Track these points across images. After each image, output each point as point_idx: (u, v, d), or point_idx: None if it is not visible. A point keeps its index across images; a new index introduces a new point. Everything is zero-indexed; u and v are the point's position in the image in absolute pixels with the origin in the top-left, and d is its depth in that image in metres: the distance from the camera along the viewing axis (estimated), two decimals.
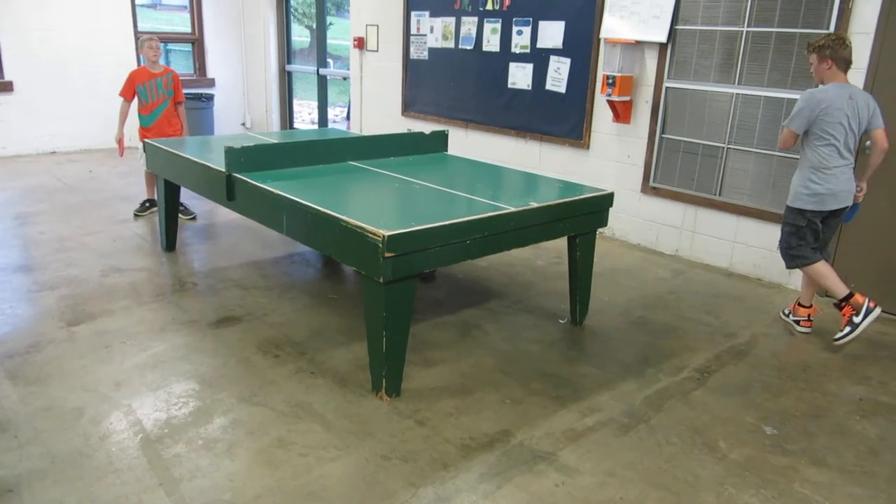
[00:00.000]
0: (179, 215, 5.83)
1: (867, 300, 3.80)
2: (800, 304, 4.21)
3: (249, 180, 3.82)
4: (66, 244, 5.26)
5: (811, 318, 4.16)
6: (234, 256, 5.18)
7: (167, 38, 10.48)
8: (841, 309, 3.88)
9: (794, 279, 4.85)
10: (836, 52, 3.69)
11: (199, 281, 4.67)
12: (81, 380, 3.29)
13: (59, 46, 8.64)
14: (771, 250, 4.93)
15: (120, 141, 5.99)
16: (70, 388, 3.22)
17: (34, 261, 4.89)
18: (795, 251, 3.98)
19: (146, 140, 5.20)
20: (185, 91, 9.46)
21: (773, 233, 4.89)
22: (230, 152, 3.94)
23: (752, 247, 5.06)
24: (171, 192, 5.10)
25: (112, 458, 2.71)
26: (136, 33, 9.27)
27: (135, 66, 9.24)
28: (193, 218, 6.07)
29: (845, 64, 3.73)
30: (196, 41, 10.02)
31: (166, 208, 5.13)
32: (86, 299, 4.25)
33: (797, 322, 4.19)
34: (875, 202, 4.39)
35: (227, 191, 4.00)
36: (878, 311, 3.77)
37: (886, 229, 4.38)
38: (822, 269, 3.94)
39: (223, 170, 3.99)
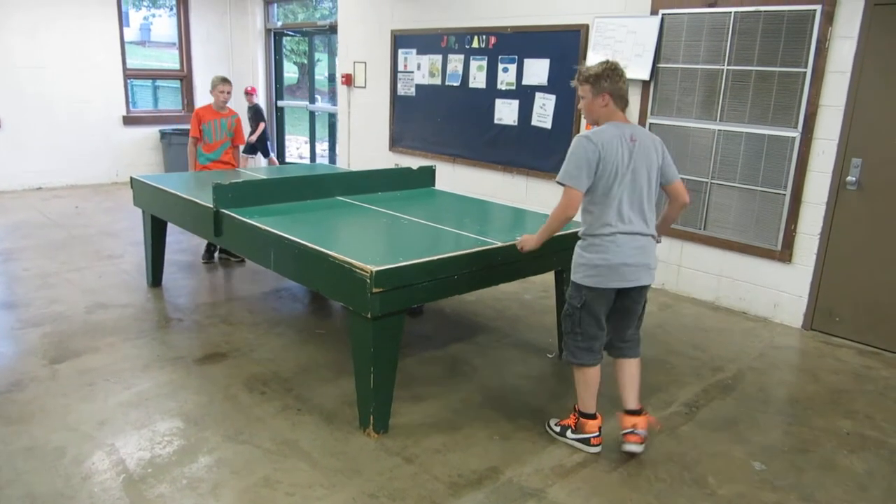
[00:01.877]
0: (227, 257, 5.92)
1: (595, 434, 3.10)
2: (624, 410, 3.17)
3: (237, 216, 3.83)
4: (51, 280, 5.22)
5: (637, 430, 3.06)
6: (221, 292, 5.16)
7: (155, 75, 10.56)
8: (572, 412, 3.20)
9: (780, 313, 4.89)
10: (615, 84, 2.90)
11: (185, 317, 4.63)
12: (64, 419, 3.24)
13: (47, 82, 8.68)
14: (755, 284, 4.98)
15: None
16: (52, 427, 3.17)
17: (18, 297, 4.85)
18: (570, 341, 3.10)
19: (133, 176, 5.19)
20: (173, 127, 9.61)
21: (758, 267, 4.94)
22: (218, 188, 3.95)
23: (737, 281, 5.10)
24: (158, 228, 5.08)
25: (94, 499, 2.67)
26: (125, 70, 9.34)
27: (123, 104, 9.35)
28: (242, 261, 5.91)
29: (623, 101, 2.97)
30: (185, 77, 10.09)
31: (153, 244, 5.10)
32: (70, 336, 4.20)
33: (586, 441, 3.14)
34: (859, 235, 4.46)
35: (215, 226, 4.00)
36: (595, 449, 3.10)
37: (870, 262, 4.43)
38: (592, 377, 3.10)
39: (211, 206, 3.99)
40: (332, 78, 9.97)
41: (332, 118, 9.68)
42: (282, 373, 3.82)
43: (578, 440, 3.13)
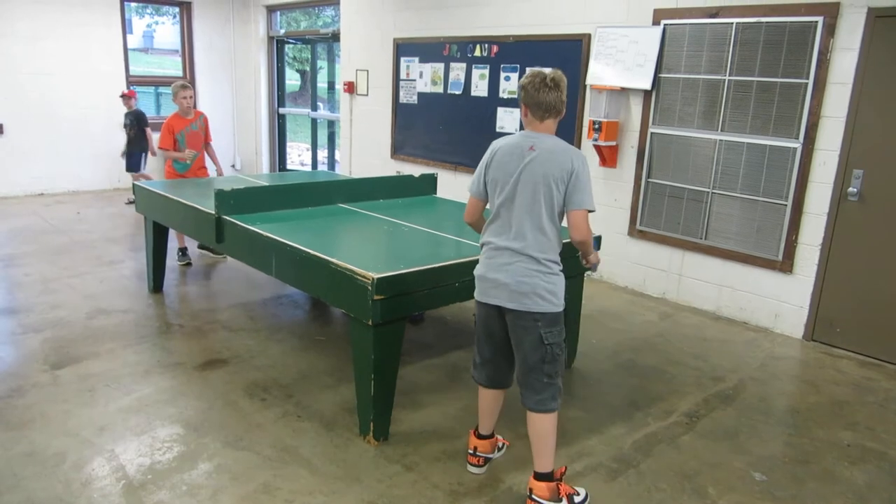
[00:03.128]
0: (210, 253, 6.10)
1: (469, 452, 2.99)
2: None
3: (239, 222, 3.84)
4: (52, 286, 5.22)
5: (478, 453, 3.00)
6: (222, 298, 5.16)
7: (159, 82, 10.60)
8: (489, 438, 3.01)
9: (781, 324, 4.89)
10: (530, 95, 2.70)
11: (186, 323, 4.63)
12: (64, 424, 3.24)
13: (49, 89, 8.71)
14: (756, 294, 4.98)
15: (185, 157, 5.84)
16: (52, 433, 3.16)
17: (19, 303, 4.85)
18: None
19: (136, 182, 5.20)
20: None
21: (759, 277, 4.94)
22: (220, 195, 3.96)
23: (738, 290, 5.10)
24: (159, 233, 5.09)
25: None
26: (128, 76, 9.37)
27: (126, 110, 9.35)
28: (224, 257, 6.12)
29: (541, 111, 2.71)
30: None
31: (154, 250, 5.11)
32: (71, 342, 4.20)
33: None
34: (860, 246, 4.46)
35: (217, 233, 4.01)
36: (473, 469, 2.98)
37: (871, 273, 4.43)
38: (480, 395, 2.96)
39: (212, 212, 4.00)
40: (331, 86, 10.02)
41: (331, 126, 9.71)
42: (282, 379, 3.81)
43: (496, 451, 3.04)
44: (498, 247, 2.69)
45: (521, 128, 2.86)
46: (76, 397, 3.51)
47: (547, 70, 2.76)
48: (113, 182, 9.41)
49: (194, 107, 6.00)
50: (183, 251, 5.98)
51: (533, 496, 2.70)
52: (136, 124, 8.40)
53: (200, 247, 6.31)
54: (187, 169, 5.88)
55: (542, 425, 2.71)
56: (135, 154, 8.48)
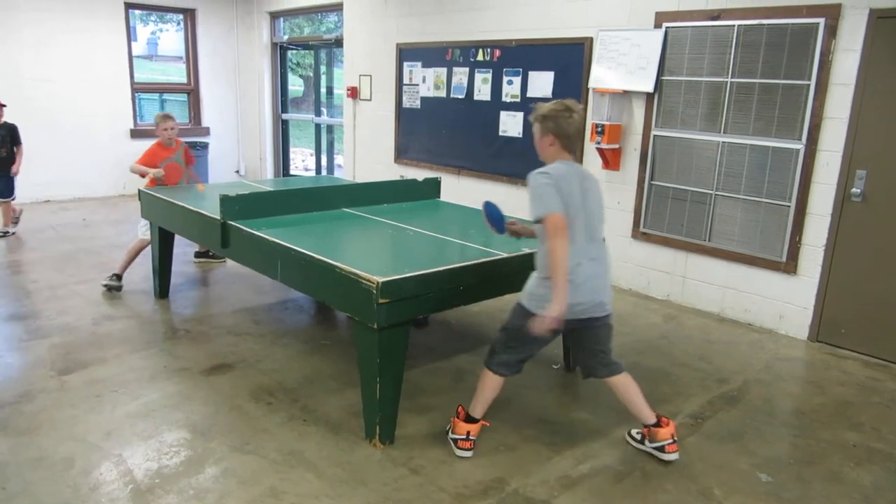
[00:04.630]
0: (209, 260, 6.01)
1: (471, 436, 3.14)
2: (651, 426, 3.17)
3: (244, 227, 3.86)
4: (59, 292, 5.25)
5: (675, 439, 3.15)
6: (227, 303, 5.18)
7: (163, 89, 10.65)
8: (464, 420, 3.17)
9: (785, 325, 4.88)
10: (560, 125, 2.90)
11: (192, 328, 4.66)
12: (72, 429, 3.26)
13: (54, 96, 8.76)
14: (760, 295, 4.98)
15: (153, 180, 5.50)
16: (60, 438, 3.18)
17: (26, 309, 4.88)
18: (501, 349, 3.15)
19: (141, 188, 5.23)
20: (181, 140, 9.65)
21: (763, 278, 4.95)
22: (225, 200, 3.98)
23: (742, 292, 5.10)
24: (165, 239, 5.12)
25: None
26: (133, 83, 9.42)
27: (131, 117, 9.41)
28: (223, 261, 6.11)
29: (570, 141, 2.95)
30: (191, 91, 10.17)
31: (160, 256, 5.14)
32: (77, 348, 4.23)
33: (661, 448, 3.13)
34: (864, 246, 4.46)
35: (222, 238, 4.03)
36: (464, 453, 3.13)
37: (876, 274, 4.43)
38: (495, 384, 3.16)
39: (218, 217, 4.02)
40: (329, 91, 10.05)
41: (330, 131, 9.74)
42: (288, 383, 3.83)
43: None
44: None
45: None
46: (83, 402, 3.53)
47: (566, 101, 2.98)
48: (118, 189, 9.46)
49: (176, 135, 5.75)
50: (118, 277, 5.44)
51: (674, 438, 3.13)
52: (10, 140, 7.15)
53: (197, 255, 6.25)
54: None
55: (628, 381, 3.18)
56: (6, 176, 7.17)
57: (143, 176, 5.53)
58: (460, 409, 3.22)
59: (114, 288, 5.34)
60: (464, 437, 3.13)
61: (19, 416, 3.37)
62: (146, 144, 9.57)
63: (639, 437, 3.24)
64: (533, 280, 3.01)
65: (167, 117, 5.64)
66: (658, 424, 3.14)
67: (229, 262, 6.04)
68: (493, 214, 3.43)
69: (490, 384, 3.14)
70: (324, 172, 9.98)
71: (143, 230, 5.38)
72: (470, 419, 3.17)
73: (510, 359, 3.11)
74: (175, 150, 5.71)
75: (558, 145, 2.93)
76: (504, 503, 2.81)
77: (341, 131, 9.01)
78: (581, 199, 2.88)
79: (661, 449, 3.12)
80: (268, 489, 2.84)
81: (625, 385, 3.17)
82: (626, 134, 5.63)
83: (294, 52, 10.70)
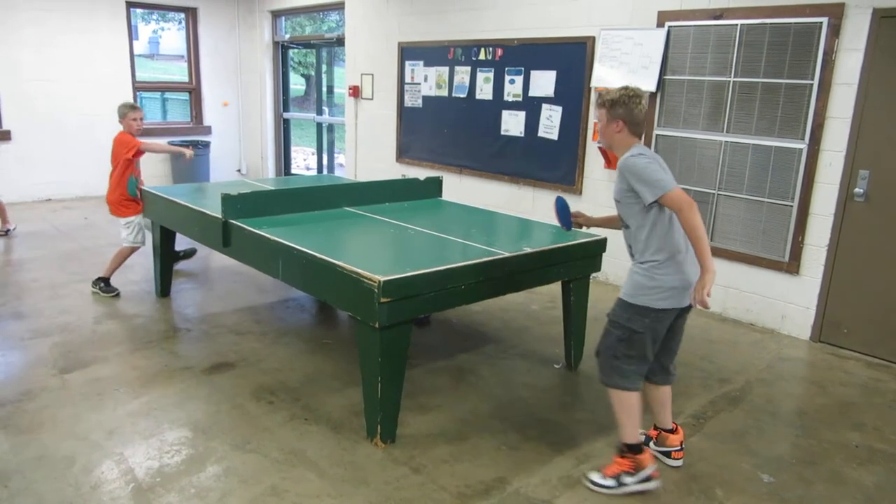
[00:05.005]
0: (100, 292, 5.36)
1: (651, 465, 2.91)
2: (662, 429, 3.16)
3: (245, 226, 3.85)
4: (60, 291, 5.25)
5: (682, 445, 3.15)
6: (229, 302, 5.18)
7: (165, 88, 10.65)
8: (620, 455, 2.92)
9: (788, 325, 4.87)
10: (631, 111, 2.86)
11: (193, 327, 4.65)
12: (73, 428, 3.26)
13: (56, 96, 8.76)
14: (762, 295, 4.97)
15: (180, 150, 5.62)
16: (62, 436, 3.18)
17: (27, 308, 4.88)
18: (621, 363, 2.91)
19: (143, 188, 5.22)
20: (182, 139, 9.69)
21: (765, 278, 4.94)
22: (227, 199, 3.98)
23: (744, 292, 5.09)
24: (166, 238, 5.12)
25: None
26: (134, 82, 9.42)
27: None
28: (189, 255, 6.01)
29: (639, 127, 2.91)
30: (193, 90, 10.17)
31: (161, 255, 5.14)
32: (79, 346, 4.23)
33: (668, 454, 3.13)
34: (866, 247, 4.45)
35: (223, 237, 4.03)
36: (653, 483, 2.90)
37: (878, 274, 4.42)
38: (634, 402, 2.91)
39: (219, 216, 4.02)
40: (330, 90, 10.04)
41: (330, 130, 9.73)
42: (289, 382, 3.83)
43: (641, 482, 2.87)
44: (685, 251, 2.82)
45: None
46: (85, 401, 3.53)
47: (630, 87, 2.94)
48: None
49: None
50: (106, 282, 5.32)
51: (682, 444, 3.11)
52: None
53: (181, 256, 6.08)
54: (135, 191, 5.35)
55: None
56: None
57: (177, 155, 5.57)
58: (619, 452, 2.93)
59: (110, 293, 5.23)
60: (637, 473, 2.87)
61: (21, 415, 3.37)
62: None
63: (642, 437, 3.17)
64: (637, 274, 2.86)
65: (135, 107, 5.51)
66: (672, 430, 3.11)
67: (231, 261, 6.01)
68: (563, 209, 3.45)
69: (628, 402, 2.89)
70: (325, 172, 9.98)
71: (129, 238, 5.22)
72: (630, 448, 2.89)
73: (639, 368, 2.89)
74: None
75: (626, 131, 2.88)
76: (505, 503, 2.80)
77: (342, 130, 9.01)
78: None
79: (668, 455, 3.11)
80: (269, 488, 2.84)
81: (667, 391, 3.10)
82: None
83: (295, 51, 10.69)
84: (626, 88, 2.88)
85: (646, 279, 2.81)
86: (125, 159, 5.29)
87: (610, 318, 2.93)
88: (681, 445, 3.11)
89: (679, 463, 3.10)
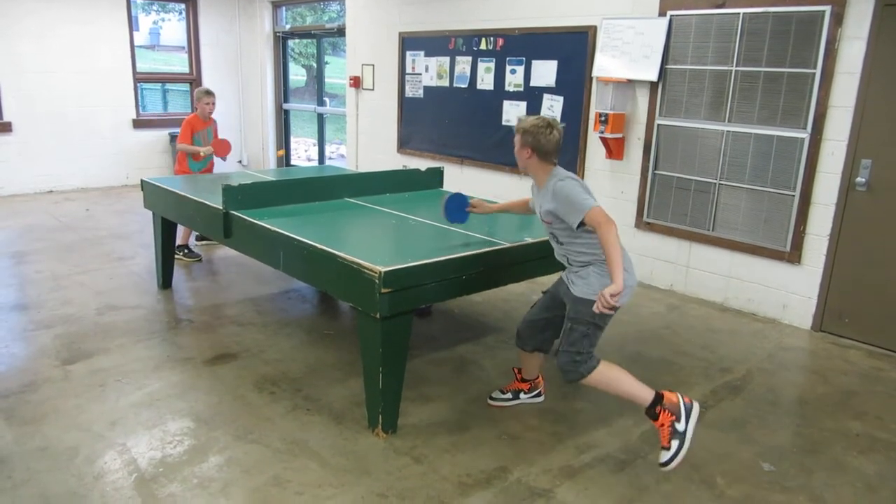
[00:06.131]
0: (184, 258, 5.93)
1: (680, 396, 2.94)
2: (532, 379, 3.55)
3: (247, 217, 3.85)
4: (62, 283, 5.26)
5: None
6: (231, 293, 5.19)
7: (165, 79, 10.62)
8: (655, 418, 2.91)
9: (789, 315, 4.87)
10: (538, 141, 3.00)
11: (195, 318, 4.66)
12: (76, 419, 3.27)
13: (57, 87, 8.74)
14: (764, 285, 4.97)
15: (200, 154, 6.06)
16: (65, 427, 3.20)
17: (30, 299, 4.89)
18: (583, 358, 3.00)
19: (143, 179, 5.22)
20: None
21: (766, 268, 4.93)
22: (227, 190, 3.98)
23: (746, 282, 5.09)
24: (168, 229, 5.12)
25: (106, 497, 2.69)
26: (135, 73, 9.40)
27: (133, 107, 9.40)
28: (199, 259, 6.07)
29: (548, 155, 3.04)
30: (194, 81, 10.14)
31: (163, 246, 5.14)
32: (81, 338, 4.24)
33: (539, 393, 3.57)
34: (868, 236, 4.44)
35: (224, 228, 4.03)
36: (697, 406, 2.94)
37: (880, 263, 4.42)
38: (609, 369, 3.02)
39: (220, 207, 4.02)
40: (319, 80, 10.01)
41: (322, 119, 9.71)
42: (291, 373, 3.84)
43: (688, 416, 2.88)
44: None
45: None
46: (87, 392, 3.54)
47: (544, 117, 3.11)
48: (121, 179, 9.46)
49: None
50: (187, 248, 6.02)
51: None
52: None
53: (199, 238, 6.42)
54: (203, 168, 6.13)
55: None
56: None
57: (195, 157, 6.04)
58: (651, 417, 2.93)
59: (192, 258, 5.94)
60: (681, 417, 2.87)
61: (24, 406, 3.38)
62: (149, 134, 9.72)
63: (508, 394, 3.55)
64: (596, 273, 2.96)
65: (210, 92, 6.11)
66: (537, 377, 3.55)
67: (232, 252, 6.04)
68: (454, 203, 3.65)
69: (615, 374, 3.00)
70: (315, 163, 9.94)
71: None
72: (654, 402, 2.91)
73: (591, 354, 3.00)
74: (209, 124, 6.14)
75: (536, 158, 3.05)
76: (506, 492, 2.81)
77: (342, 121, 8.99)
78: None
79: (539, 394, 3.61)
80: (271, 478, 2.85)
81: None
82: (629, 123, 5.60)
83: (296, 41, 10.66)
84: (539, 118, 3.05)
85: (605, 278, 2.89)
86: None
87: (574, 317, 3.00)
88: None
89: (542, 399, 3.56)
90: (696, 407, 2.92)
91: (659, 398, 2.90)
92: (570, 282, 3.05)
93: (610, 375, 2.99)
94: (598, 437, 3.27)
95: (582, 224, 2.87)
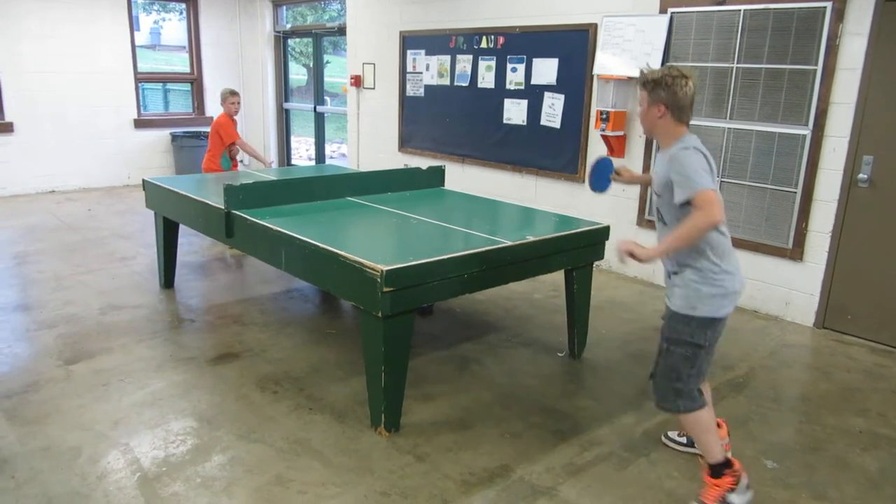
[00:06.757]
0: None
1: (743, 472, 2.70)
2: None
3: (248, 217, 3.86)
4: (65, 283, 5.27)
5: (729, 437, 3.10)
6: (233, 293, 5.19)
7: (166, 79, 10.63)
8: (715, 477, 2.66)
9: (791, 311, 4.87)
10: (675, 94, 2.55)
11: (198, 317, 4.67)
12: (79, 419, 3.28)
13: (58, 87, 8.75)
14: (766, 282, 4.96)
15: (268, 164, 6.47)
16: (68, 427, 3.20)
17: (32, 300, 4.90)
18: (685, 384, 2.66)
19: (145, 178, 5.23)
20: (184, 129, 9.72)
21: (769, 265, 4.93)
22: (229, 190, 3.98)
23: (748, 279, 5.05)
24: (170, 229, 5.12)
25: (110, 497, 2.70)
26: (136, 73, 9.41)
27: (134, 107, 9.42)
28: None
29: (683, 113, 2.61)
30: (195, 80, 10.15)
31: (165, 245, 5.14)
32: (84, 337, 4.24)
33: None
34: (870, 232, 4.44)
35: (227, 228, 4.03)
36: (751, 493, 2.71)
37: (882, 260, 4.41)
38: (707, 417, 2.68)
39: (222, 207, 4.02)
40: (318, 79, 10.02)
41: (319, 118, 9.72)
42: (293, 372, 3.84)
43: (745, 492, 2.66)
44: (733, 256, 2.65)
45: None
46: (90, 392, 3.55)
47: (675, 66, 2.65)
48: (123, 179, 9.47)
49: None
50: None
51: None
52: None
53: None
54: (231, 165, 6.50)
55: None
56: None
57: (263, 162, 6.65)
58: (706, 470, 2.70)
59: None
60: (738, 487, 2.64)
61: (27, 406, 3.39)
62: (151, 134, 9.73)
63: (684, 439, 3.11)
64: (694, 282, 2.61)
65: (234, 92, 6.48)
66: (718, 426, 2.90)
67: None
68: (602, 169, 3.37)
69: (703, 421, 2.66)
70: (338, 161, 9.94)
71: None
72: (722, 466, 2.66)
73: (697, 384, 2.67)
74: (235, 122, 6.52)
75: (669, 117, 2.57)
76: (509, 490, 2.81)
77: (344, 120, 8.99)
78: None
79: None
80: (274, 477, 2.85)
81: (708, 391, 2.94)
82: (631, 121, 5.60)
83: (297, 41, 10.65)
84: (669, 68, 2.58)
85: (705, 286, 2.57)
86: (221, 144, 6.36)
87: (669, 337, 2.66)
88: (728, 437, 3.02)
89: (729, 454, 2.82)
90: (750, 491, 2.70)
91: (727, 464, 2.65)
92: (669, 293, 2.72)
93: (704, 422, 2.65)
94: (601, 434, 3.27)
95: (688, 204, 2.43)
